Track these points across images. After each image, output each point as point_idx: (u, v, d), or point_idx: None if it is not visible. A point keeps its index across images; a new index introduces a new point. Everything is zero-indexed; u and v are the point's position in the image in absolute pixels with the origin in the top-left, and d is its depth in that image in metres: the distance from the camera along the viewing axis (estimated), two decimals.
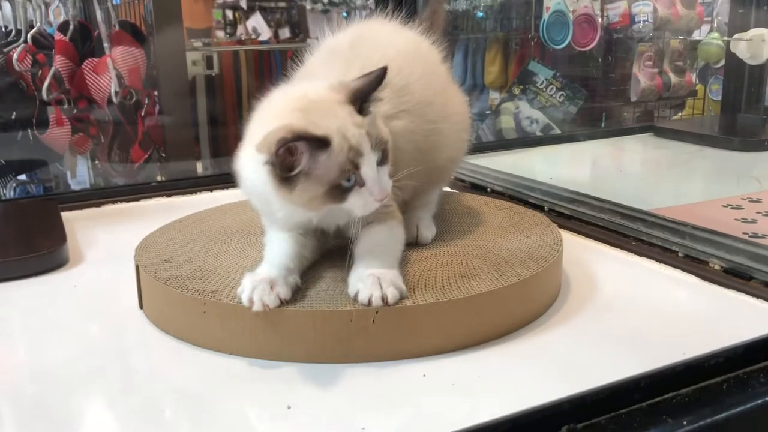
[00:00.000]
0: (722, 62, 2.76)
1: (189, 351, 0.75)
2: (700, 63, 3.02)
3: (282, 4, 5.18)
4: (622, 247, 1.01)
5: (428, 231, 0.89)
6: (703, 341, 0.70)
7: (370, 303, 0.69)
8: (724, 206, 1.16)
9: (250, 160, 0.73)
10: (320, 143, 0.68)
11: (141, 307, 0.85)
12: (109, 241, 1.12)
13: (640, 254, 0.98)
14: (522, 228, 0.93)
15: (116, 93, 1.48)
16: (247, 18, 4.96)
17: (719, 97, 2.80)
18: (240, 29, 4.73)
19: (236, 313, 0.71)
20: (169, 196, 1.37)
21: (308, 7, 4.68)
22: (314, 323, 0.69)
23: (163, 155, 1.57)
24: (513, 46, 2.90)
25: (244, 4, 4.89)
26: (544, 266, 0.79)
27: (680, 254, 0.95)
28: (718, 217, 1.11)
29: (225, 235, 0.94)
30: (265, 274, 0.72)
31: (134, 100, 1.52)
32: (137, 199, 1.36)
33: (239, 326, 0.72)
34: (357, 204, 0.71)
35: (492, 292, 0.73)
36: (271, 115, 0.74)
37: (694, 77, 3.05)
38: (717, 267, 0.90)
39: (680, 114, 3.02)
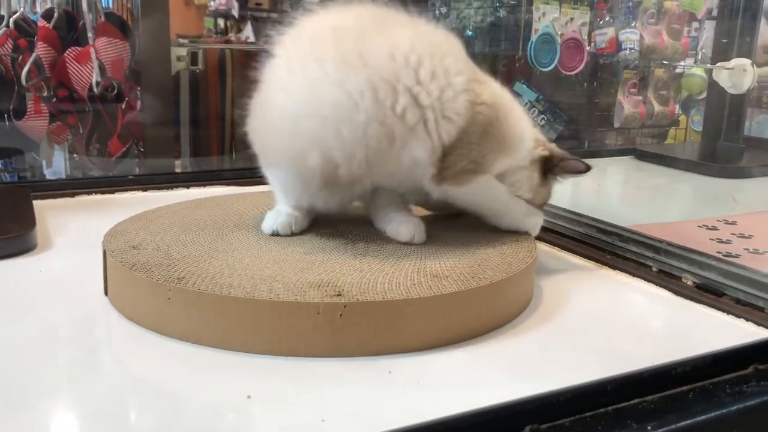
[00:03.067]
0: (704, 94, 2.81)
1: (152, 338, 0.73)
2: (684, 94, 3.06)
3: (274, 15, 5.20)
4: (597, 260, 1.01)
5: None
6: (673, 352, 0.70)
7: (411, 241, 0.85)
8: (700, 226, 1.16)
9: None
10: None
11: (106, 293, 0.83)
12: (79, 230, 1.10)
13: (615, 268, 0.98)
14: (498, 234, 0.92)
15: (97, 83, 1.46)
16: (239, 28, 4.97)
17: (701, 128, 2.85)
18: (231, 38, 4.73)
19: (201, 301, 0.70)
20: (144, 190, 1.35)
21: None
22: (280, 314, 0.68)
23: (142, 150, 1.55)
24: (500, 67, 2.92)
25: (236, 12, 4.90)
26: (516, 271, 0.79)
27: (654, 269, 0.95)
28: (694, 236, 1.11)
29: (198, 227, 0.92)
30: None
31: (115, 92, 1.50)
32: (112, 192, 1.34)
33: (203, 315, 0.70)
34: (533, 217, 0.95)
35: (462, 293, 0.72)
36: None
37: (677, 107, 3.08)
38: (690, 282, 0.90)
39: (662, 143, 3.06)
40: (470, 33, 2.99)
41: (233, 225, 0.93)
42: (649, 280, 0.93)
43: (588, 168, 0.91)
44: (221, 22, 5.05)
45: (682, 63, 2.86)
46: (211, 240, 0.87)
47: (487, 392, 0.64)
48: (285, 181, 0.89)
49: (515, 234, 0.93)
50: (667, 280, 0.92)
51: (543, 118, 2.61)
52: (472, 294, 0.73)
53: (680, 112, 3.11)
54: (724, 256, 0.98)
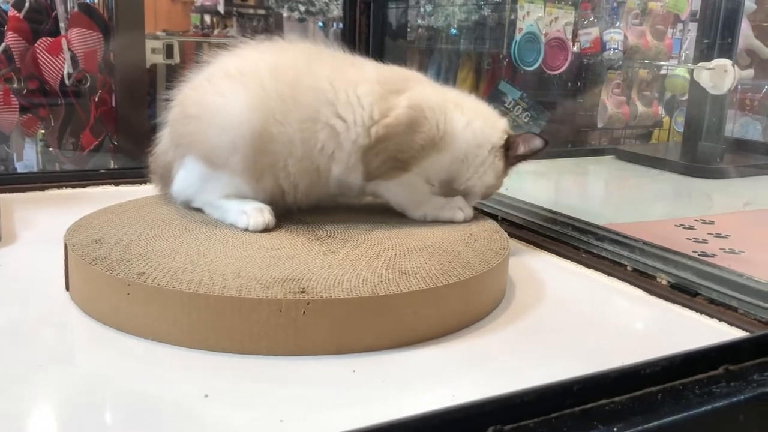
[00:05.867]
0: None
1: (111, 335, 0.71)
2: (667, 95, 3.06)
3: (260, 12, 5.16)
4: (572, 258, 0.99)
5: None
6: (644, 352, 0.69)
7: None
8: (677, 226, 1.15)
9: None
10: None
11: (68, 288, 0.81)
12: (46, 224, 1.07)
13: (589, 266, 0.97)
14: (470, 232, 0.91)
15: (69, 75, 1.43)
16: (225, 24, 4.93)
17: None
18: (215, 33, 4.70)
19: (160, 297, 0.68)
20: (117, 184, 1.33)
21: (285, 14, 4.66)
22: (241, 311, 0.66)
23: (115, 143, 1.52)
24: (485, 66, 2.90)
25: (221, 9, 4.86)
26: (487, 269, 0.77)
27: (629, 268, 0.94)
28: (670, 236, 1.10)
29: (163, 222, 0.90)
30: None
31: (88, 84, 1.47)
32: (83, 186, 1.31)
33: (163, 311, 0.68)
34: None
35: (430, 290, 0.70)
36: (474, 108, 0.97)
37: (660, 108, 3.09)
38: (664, 282, 0.89)
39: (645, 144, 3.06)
40: (454, 31, 2.97)
41: (200, 220, 0.91)
42: (623, 279, 0.92)
43: (546, 142, 0.96)
44: (207, 18, 5.01)
45: (665, 63, 2.86)
46: (176, 235, 0.85)
47: (451, 392, 0.62)
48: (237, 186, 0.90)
49: (488, 232, 0.91)
50: (642, 279, 0.91)
51: (527, 115, 2.61)
52: (440, 292, 0.71)
53: (664, 113, 3.11)
54: (699, 255, 0.97)
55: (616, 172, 1.80)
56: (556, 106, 2.80)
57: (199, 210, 0.95)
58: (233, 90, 0.87)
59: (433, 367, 0.67)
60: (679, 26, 3.11)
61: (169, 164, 0.95)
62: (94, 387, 0.62)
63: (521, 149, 0.96)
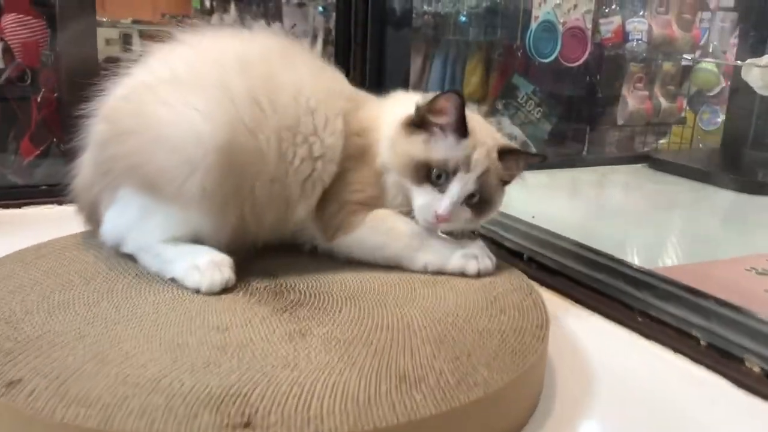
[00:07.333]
0: (716, 90, 2.59)
1: None
2: (693, 89, 2.84)
3: None
4: (625, 323, 0.76)
5: None
6: None
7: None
8: (747, 270, 0.92)
9: None
10: (463, 130, 0.71)
11: None
12: None
13: (649, 337, 0.73)
14: (495, 295, 0.68)
15: (1, 71, 1.19)
16: (224, 8, 4.72)
17: (710, 127, 2.63)
18: (215, 19, 4.50)
19: (35, 425, 0.45)
20: (60, 203, 1.09)
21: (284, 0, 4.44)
22: None
23: (64, 151, 1.28)
24: (496, 57, 2.69)
25: None
26: (522, 369, 0.54)
27: (702, 342, 0.70)
28: (743, 285, 0.87)
29: (82, 277, 0.67)
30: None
31: (29, 81, 1.23)
32: (18, 206, 1.08)
33: None
34: (421, 201, 0.71)
35: (442, 415, 0.47)
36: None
37: (685, 104, 2.87)
38: (756, 369, 0.65)
39: (664, 141, 2.84)
40: (464, 18, 2.74)
41: (133, 275, 0.68)
42: (696, 360, 0.69)
43: (545, 158, 0.77)
44: (207, 2, 4.82)
45: (709, 60, 2.63)
46: (92, 302, 0.62)
47: None
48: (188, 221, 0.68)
49: (518, 293, 0.68)
50: (723, 361, 0.67)
51: (539, 111, 2.43)
52: (457, 416, 0.48)
53: (688, 108, 2.90)
54: None
55: (653, 186, 1.56)
56: (573, 101, 2.60)
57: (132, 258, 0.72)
58: (184, 95, 0.66)
59: None
60: (704, 15, 2.88)
61: (94, 201, 0.72)
62: None
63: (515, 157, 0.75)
